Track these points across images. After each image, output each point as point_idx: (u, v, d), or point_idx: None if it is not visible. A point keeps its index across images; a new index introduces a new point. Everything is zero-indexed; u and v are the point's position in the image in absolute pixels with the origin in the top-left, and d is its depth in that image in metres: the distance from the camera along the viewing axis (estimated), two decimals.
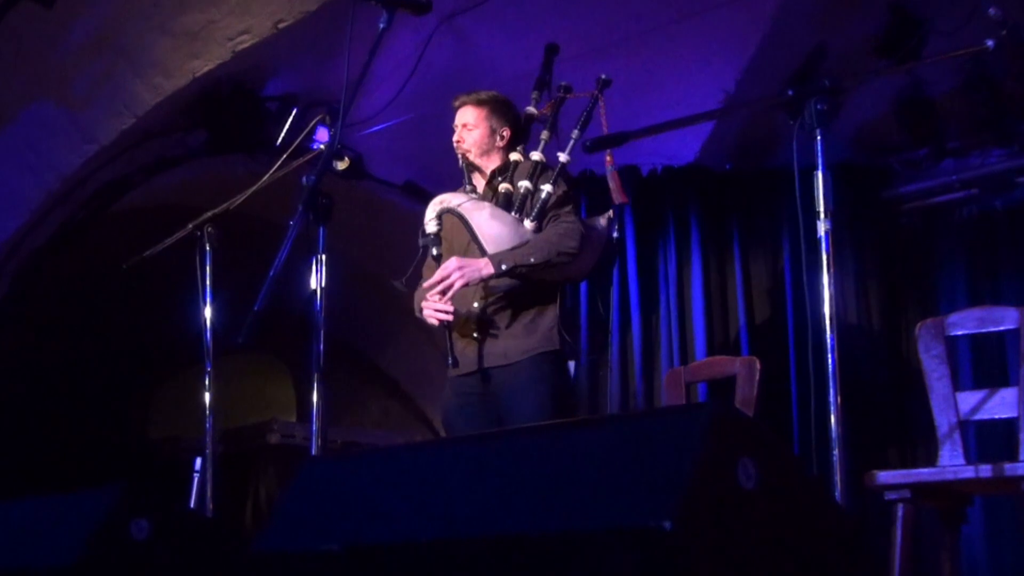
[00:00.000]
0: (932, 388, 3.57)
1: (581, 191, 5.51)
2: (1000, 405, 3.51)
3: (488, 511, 1.73)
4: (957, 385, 3.59)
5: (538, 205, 3.73)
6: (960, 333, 3.68)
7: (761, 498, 1.62)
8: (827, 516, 1.82)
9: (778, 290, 5.73)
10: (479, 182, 3.90)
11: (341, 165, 4.20)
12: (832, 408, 2.73)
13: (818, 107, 2.86)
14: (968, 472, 3.23)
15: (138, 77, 4.96)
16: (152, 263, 4.27)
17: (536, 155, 3.83)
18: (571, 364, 4.46)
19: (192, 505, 4.31)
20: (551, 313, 3.73)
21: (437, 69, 5.33)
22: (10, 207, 5.12)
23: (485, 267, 3.60)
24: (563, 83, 4.03)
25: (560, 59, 4.27)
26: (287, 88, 5.41)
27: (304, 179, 2.85)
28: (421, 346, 6.95)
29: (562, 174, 3.80)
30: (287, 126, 5.33)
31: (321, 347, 2.79)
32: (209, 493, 4.09)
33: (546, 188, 3.73)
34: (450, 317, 3.63)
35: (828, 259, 2.81)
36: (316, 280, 2.82)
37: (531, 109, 4.03)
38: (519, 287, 3.68)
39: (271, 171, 4.02)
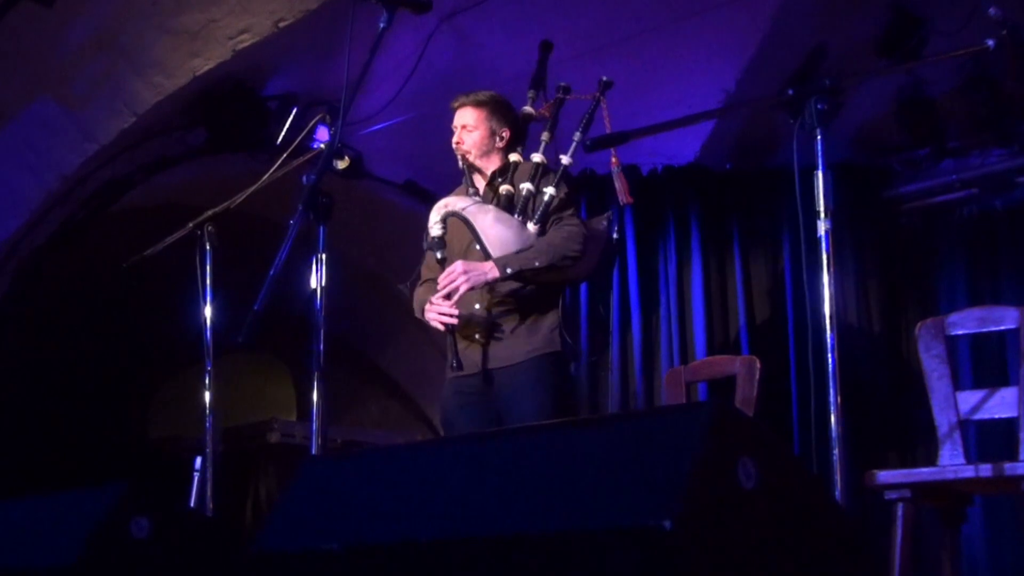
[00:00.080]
0: (932, 388, 3.57)
1: (581, 191, 5.52)
2: (1000, 405, 3.51)
3: (488, 511, 1.73)
4: (957, 385, 3.58)
5: (541, 208, 3.73)
6: (960, 333, 3.68)
7: (761, 498, 1.62)
8: (827, 516, 1.82)
9: (778, 290, 5.73)
10: (479, 183, 3.90)
11: (341, 164, 4.21)
12: (832, 408, 2.73)
13: (818, 107, 2.86)
14: (968, 472, 3.22)
15: (138, 76, 4.96)
16: (152, 262, 4.27)
17: (537, 157, 3.83)
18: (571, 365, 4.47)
19: (192, 504, 4.30)
20: (552, 315, 3.74)
21: (437, 68, 5.33)
22: (10, 206, 5.12)
23: (490, 271, 3.61)
24: (562, 83, 4.03)
25: (560, 59, 4.26)
26: (287, 87, 5.41)
27: (304, 178, 2.85)
28: (421, 346, 6.95)
29: (564, 176, 3.80)
30: (287, 125, 5.33)
31: (321, 346, 2.79)
32: (209, 492, 4.09)
33: (549, 191, 3.74)
34: (455, 321, 3.63)
35: (828, 259, 2.81)
36: (316, 279, 2.82)
37: (528, 109, 4.03)
38: (521, 289, 3.69)
39: (271, 170, 4.02)
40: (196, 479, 4.29)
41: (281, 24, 4.86)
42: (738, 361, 4.28)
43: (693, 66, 5.45)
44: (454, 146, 3.87)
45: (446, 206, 3.78)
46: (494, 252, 3.65)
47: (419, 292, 3.90)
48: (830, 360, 2.75)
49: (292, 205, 2.79)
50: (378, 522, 1.87)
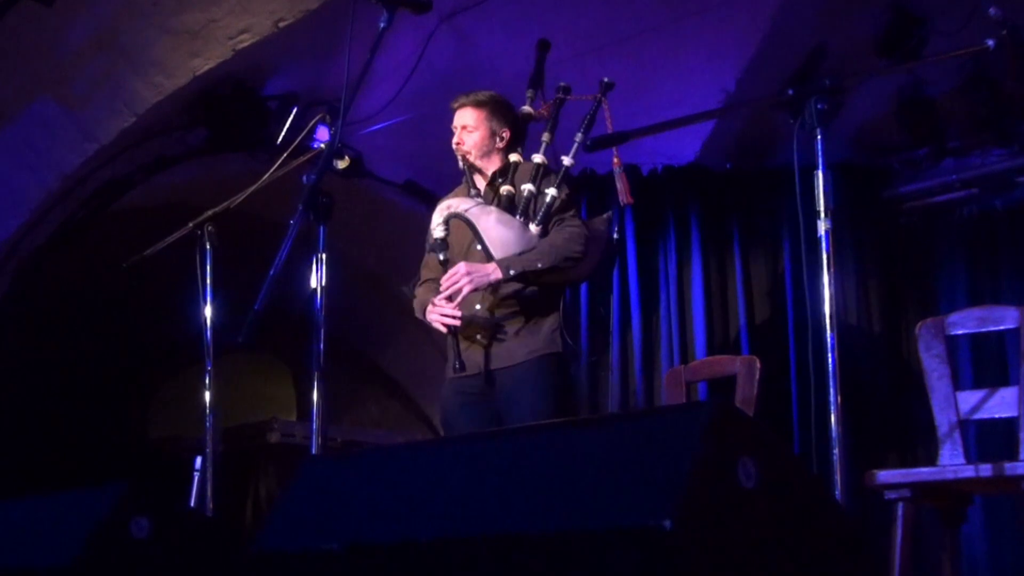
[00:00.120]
0: (932, 387, 3.57)
1: (581, 191, 5.52)
2: (1000, 404, 3.51)
3: (488, 511, 1.73)
4: (957, 384, 3.58)
5: (543, 209, 3.74)
6: (960, 332, 3.68)
7: (761, 497, 1.62)
8: (827, 515, 1.82)
9: (778, 289, 5.73)
10: (480, 183, 3.90)
11: (341, 164, 4.20)
12: (832, 407, 2.73)
13: (818, 106, 2.86)
14: (968, 471, 3.22)
15: (138, 76, 4.96)
16: (152, 262, 4.27)
17: (538, 158, 3.83)
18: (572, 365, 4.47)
19: (192, 504, 4.30)
20: (553, 315, 3.75)
21: (437, 68, 5.33)
22: (10, 206, 5.12)
23: (493, 272, 3.61)
24: (562, 84, 4.03)
25: (560, 58, 4.26)
26: (287, 87, 5.41)
27: (304, 178, 2.85)
28: (421, 346, 6.95)
29: (565, 177, 3.81)
30: (287, 125, 5.33)
31: (321, 346, 2.79)
32: (209, 492, 4.09)
33: (550, 192, 3.74)
34: (458, 322, 3.63)
35: (828, 259, 2.81)
36: (316, 279, 2.82)
37: (527, 108, 4.03)
38: (522, 290, 3.69)
39: (271, 170, 4.02)
40: (196, 479, 4.29)
41: (281, 24, 4.86)
42: (738, 361, 4.28)
43: (693, 66, 5.45)
44: (454, 147, 3.87)
45: (449, 208, 3.77)
46: (496, 254, 3.66)
47: (419, 292, 3.90)
48: (830, 360, 2.75)
49: (292, 205, 2.79)
50: (378, 522, 1.87)
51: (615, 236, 5.58)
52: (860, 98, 5.30)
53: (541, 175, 3.80)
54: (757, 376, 4.08)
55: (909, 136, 5.60)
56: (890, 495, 3.29)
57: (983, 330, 3.67)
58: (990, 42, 3.00)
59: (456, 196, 3.90)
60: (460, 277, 3.60)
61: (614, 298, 5.83)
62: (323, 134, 5.24)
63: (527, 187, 3.77)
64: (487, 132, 3.85)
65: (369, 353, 7.63)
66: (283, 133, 5.31)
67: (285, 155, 4.00)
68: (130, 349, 7.00)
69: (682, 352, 5.67)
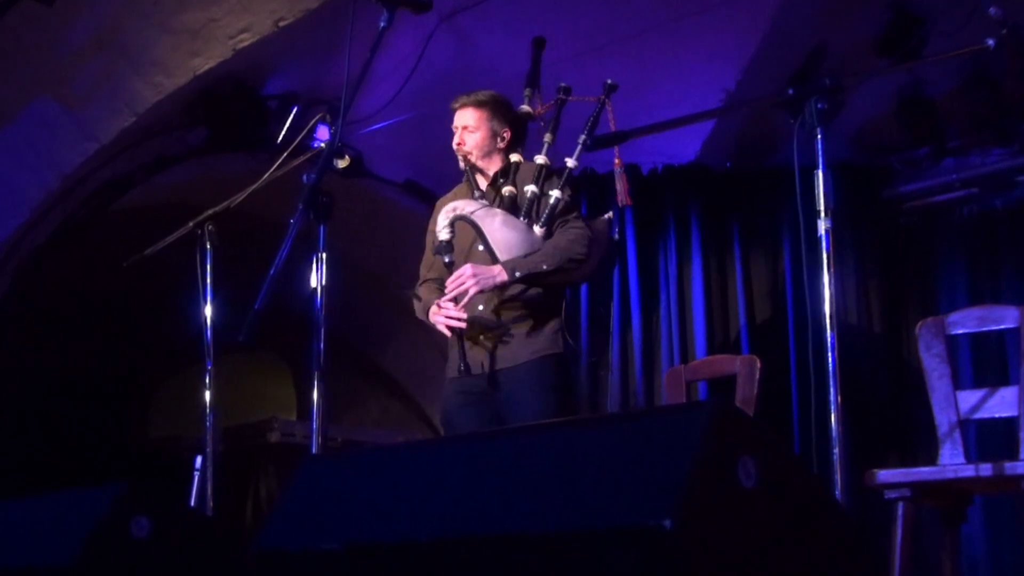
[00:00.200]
0: (932, 387, 3.57)
1: (582, 190, 5.53)
2: (1000, 404, 3.51)
3: (488, 510, 1.73)
4: (957, 384, 3.58)
5: (547, 211, 3.74)
6: (960, 332, 3.68)
7: (761, 497, 1.62)
8: (827, 515, 1.82)
9: (778, 289, 5.73)
10: (482, 184, 3.89)
11: (342, 163, 4.19)
12: (832, 407, 2.73)
13: (819, 106, 2.86)
14: (968, 471, 3.22)
15: (138, 75, 4.96)
16: (152, 261, 4.27)
17: (541, 159, 3.83)
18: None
19: (192, 503, 4.30)
20: (555, 316, 3.76)
21: (437, 68, 5.33)
22: (10, 205, 5.12)
23: (499, 274, 3.61)
24: (563, 84, 4.03)
25: (560, 58, 4.26)
26: (288, 86, 5.41)
27: (304, 177, 2.85)
28: (421, 345, 6.95)
29: (568, 179, 3.81)
30: (288, 124, 5.34)
31: (321, 346, 2.79)
32: (209, 492, 4.09)
33: (554, 194, 3.75)
34: (463, 325, 3.63)
35: (828, 258, 2.81)
36: (316, 279, 2.82)
37: (525, 107, 4.03)
38: (524, 291, 3.70)
39: (272, 169, 4.02)
40: (196, 479, 4.29)
41: (281, 23, 4.86)
42: (738, 360, 4.28)
43: (693, 65, 5.45)
44: (455, 147, 3.86)
45: (454, 210, 3.76)
46: (501, 256, 3.66)
47: (422, 293, 3.89)
48: (830, 359, 2.75)
49: (292, 204, 2.79)
50: (378, 521, 1.87)
51: (615, 236, 5.58)
52: (860, 98, 5.30)
53: (544, 176, 3.80)
54: (757, 376, 4.08)
55: (909, 136, 5.60)
56: (890, 495, 3.29)
57: (983, 329, 3.67)
58: (990, 42, 3.00)
59: (457, 196, 3.90)
60: (466, 279, 3.60)
61: (614, 298, 5.83)
62: (323, 133, 5.24)
63: (530, 188, 3.77)
64: (488, 132, 3.85)
65: (369, 352, 7.63)
66: (283, 133, 5.31)
67: (285, 154, 4.00)
68: (130, 349, 7.00)
69: (682, 352, 5.67)
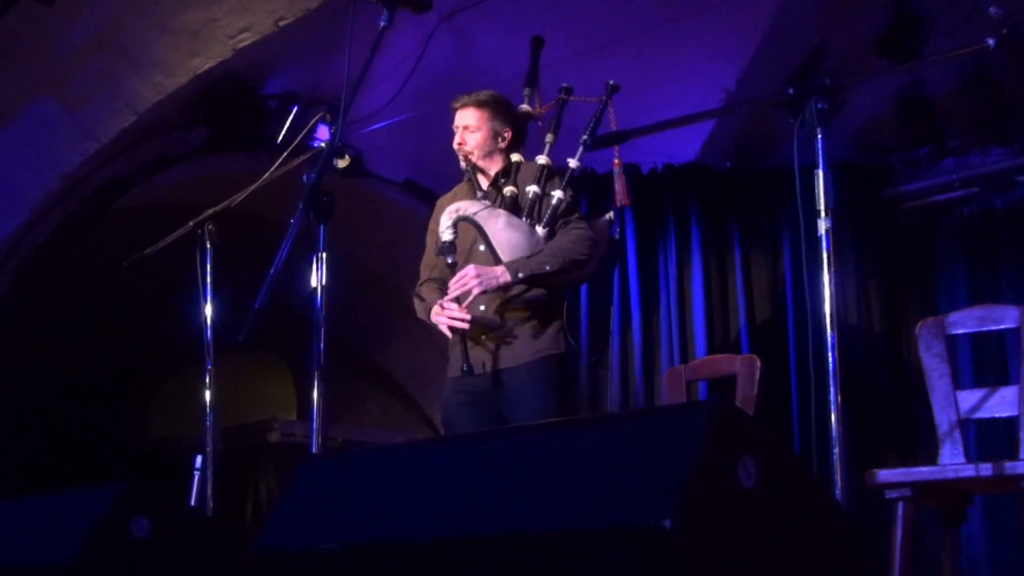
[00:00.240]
0: (932, 387, 3.57)
1: (582, 190, 5.52)
2: (1000, 404, 3.51)
3: (488, 510, 1.73)
4: (957, 384, 3.58)
5: (549, 212, 3.75)
6: (960, 332, 3.68)
7: (761, 497, 1.62)
8: (827, 515, 1.82)
9: (778, 289, 5.73)
10: (483, 184, 3.89)
11: (342, 163, 4.20)
12: (832, 407, 2.73)
13: (819, 106, 2.86)
14: (968, 471, 3.22)
15: (138, 75, 4.96)
16: (153, 261, 4.27)
17: (542, 159, 3.83)
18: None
19: (192, 503, 4.30)
20: (557, 316, 3.76)
21: (437, 67, 5.33)
22: (10, 205, 5.12)
23: (502, 275, 3.62)
24: (564, 85, 4.03)
25: (560, 58, 4.26)
26: (288, 86, 5.41)
27: (305, 177, 2.85)
28: (422, 345, 6.96)
29: (571, 179, 3.81)
30: (288, 124, 5.33)
31: (322, 345, 2.79)
32: (209, 491, 4.09)
33: (557, 195, 3.75)
34: (467, 325, 3.63)
35: (828, 258, 2.81)
36: (316, 278, 2.82)
37: (525, 107, 4.03)
38: (526, 291, 3.70)
39: (272, 169, 4.02)
40: (196, 478, 4.29)
41: (281, 23, 4.86)
42: (738, 360, 4.28)
43: (694, 65, 5.45)
44: (456, 147, 3.86)
45: (457, 211, 3.76)
46: (504, 257, 3.66)
47: (425, 293, 3.88)
48: (830, 359, 2.75)
49: (292, 204, 2.79)
50: (378, 521, 1.87)
51: (616, 237, 5.58)
52: (860, 98, 5.30)
53: (545, 176, 3.80)
54: (757, 375, 4.08)
55: (909, 136, 5.60)
56: (890, 494, 3.29)
57: (983, 329, 3.67)
58: (990, 41, 3.00)
59: (458, 196, 3.90)
60: (469, 280, 3.60)
61: (614, 298, 5.83)
62: (323, 133, 5.24)
63: (532, 189, 3.77)
64: (489, 132, 3.85)
65: (369, 352, 7.63)
66: (283, 132, 5.31)
67: (285, 154, 4.00)
68: (130, 349, 7.00)
69: (682, 351, 5.67)
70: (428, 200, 5.48)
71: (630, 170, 5.80)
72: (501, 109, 3.88)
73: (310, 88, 5.41)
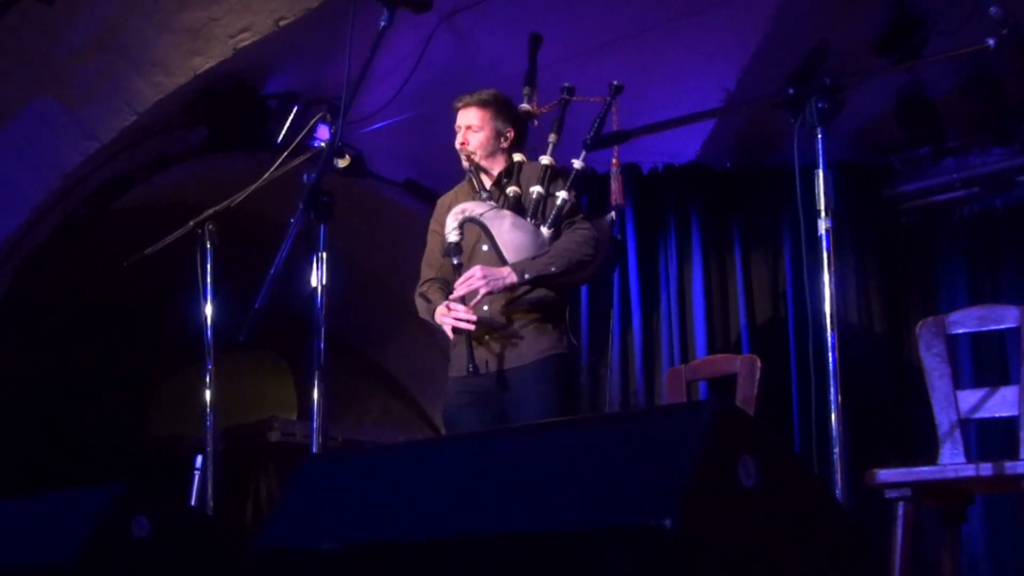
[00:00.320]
0: (933, 386, 3.56)
1: (582, 191, 5.52)
2: (1001, 403, 3.51)
3: (488, 510, 1.73)
4: (958, 383, 3.58)
5: (554, 212, 3.75)
6: (961, 331, 3.68)
7: (761, 496, 1.62)
8: (827, 515, 1.82)
9: (779, 289, 5.73)
10: (485, 183, 3.88)
11: (342, 163, 4.20)
12: (833, 406, 2.73)
13: (819, 106, 2.86)
14: (969, 470, 3.22)
15: (139, 74, 4.96)
16: (153, 261, 4.27)
17: (546, 159, 3.83)
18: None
19: (193, 503, 4.30)
20: (560, 317, 3.76)
21: (438, 67, 5.33)
22: (11, 204, 5.12)
23: (508, 276, 3.62)
24: (566, 85, 4.03)
25: (560, 58, 4.26)
26: (288, 85, 5.41)
27: (305, 177, 2.85)
28: (422, 344, 6.95)
29: (574, 180, 3.81)
30: (288, 124, 5.33)
31: (322, 345, 2.79)
32: (210, 491, 4.09)
33: (561, 195, 3.75)
34: (473, 327, 3.63)
35: (829, 257, 2.81)
36: (317, 278, 2.82)
37: (525, 106, 4.03)
38: (530, 292, 3.70)
39: (272, 169, 4.02)
40: (197, 478, 4.30)
41: (282, 22, 4.86)
42: (739, 360, 4.27)
43: (694, 65, 5.45)
44: (458, 147, 3.86)
45: (464, 212, 3.76)
46: (510, 257, 3.67)
47: (429, 293, 3.88)
48: (831, 359, 2.75)
49: (293, 204, 2.79)
50: (378, 520, 1.87)
51: (617, 237, 5.58)
52: (860, 97, 5.30)
53: (549, 177, 3.80)
54: (758, 375, 4.08)
55: (909, 135, 5.60)
56: (890, 494, 3.29)
57: (983, 329, 3.67)
58: (991, 41, 3.00)
59: (459, 195, 3.90)
60: (476, 280, 3.60)
61: (614, 298, 5.83)
62: (323, 133, 5.24)
63: (536, 189, 3.77)
64: (492, 132, 3.84)
65: (370, 352, 7.63)
66: (283, 132, 5.31)
67: (285, 154, 4.00)
68: (130, 349, 7.00)
69: (682, 351, 5.68)
70: (428, 200, 5.47)
71: (630, 170, 5.81)
72: (504, 109, 3.88)
73: (310, 88, 5.41)
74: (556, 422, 2.33)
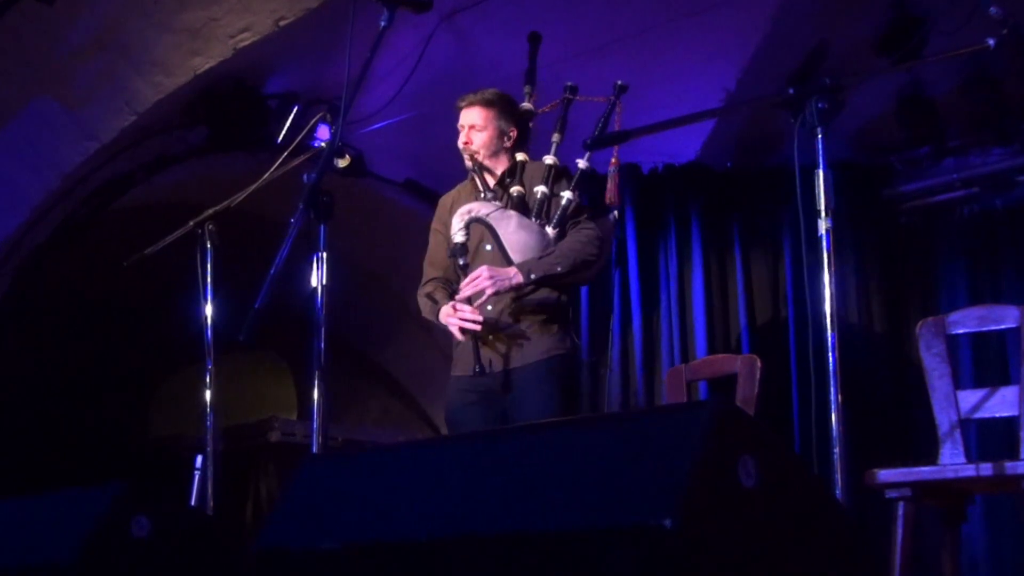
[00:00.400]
0: (933, 386, 3.56)
1: (585, 191, 5.52)
2: (1001, 403, 3.51)
3: (488, 510, 1.73)
4: (958, 383, 3.58)
5: (559, 212, 3.76)
6: (961, 332, 3.68)
7: (761, 496, 1.62)
8: (827, 514, 1.82)
9: (779, 289, 5.73)
10: (489, 183, 3.88)
11: (342, 163, 4.20)
12: (833, 406, 2.73)
13: (819, 106, 2.86)
14: (969, 470, 3.22)
15: (139, 74, 4.96)
16: (153, 261, 4.27)
17: (550, 159, 3.84)
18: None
19: (193, 503, 4.30)
20: (563, 317, 3.77)
21: (438, 67, 5.33)
22: (11, 204, 5.12)
23: (515, 276, 3.63)
24: (569, 84, 4.03)
25: (560, 58, 4.26)
26: (288, 85, 5.40)
27: (305, 177, 2.85)
28: (422, 344, 6.96)
29: (579, 180, 3.81)
30: (288, 124, 5.33)
31: (322, 345, 2.79)
32: (210, 491, 4.09)
33: (566, 195, 3.76)
34: (479, 327, 3.63)
35: (829, 258, 2.81)
36: (317, 278, 2.82)
37: (526, 105, 4.03)
38: (533, 292, 3.70)
39: (272, 169, 4.02)
40: (197, 478, 4.30)
41: (282, 23, 4.86)
42: (739, 360, 4.27)
43: (694, 65, 5.45)
44: (461, 146, 3.85)
45: (470, 212, 3.76)
46: (516, 257, 3.67)
47: (436, 295, 3.87)
48: (831, 359, 2.75)
49: (293, 204, 2.79)
50: (378, 520, 1.87)
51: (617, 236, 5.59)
52: (860, 97, 5.30)
53: (553, 176, 3.80)
54: (758, 375, 4.08)
55: (909, 135, 5.60)
56: (891, 494, 3.29)
57: (983, 329, 3.67)
58: (991, 41, 3.00)
59: (461, 195, 3.90)
60: (482, 281, 3.60)
61: (614, 298, 5.83)
62: (324, 133, 5.24)
63: (540, 189, 3.78)
64: (495, 131, 3.84)
65: (370, 352, 7.63)
66: (284, 132, 5.31)
67: (286, 154, 4.00)
68: (130, 349, 7.00)
69: (683, 351, 5.68)
70: (428, 200, 5.48)
71: (630, 170, 5.81)
72: (507, 108, 3.88)
73: (310, 88, 5.41)
74: (556, 422, 2.33)
